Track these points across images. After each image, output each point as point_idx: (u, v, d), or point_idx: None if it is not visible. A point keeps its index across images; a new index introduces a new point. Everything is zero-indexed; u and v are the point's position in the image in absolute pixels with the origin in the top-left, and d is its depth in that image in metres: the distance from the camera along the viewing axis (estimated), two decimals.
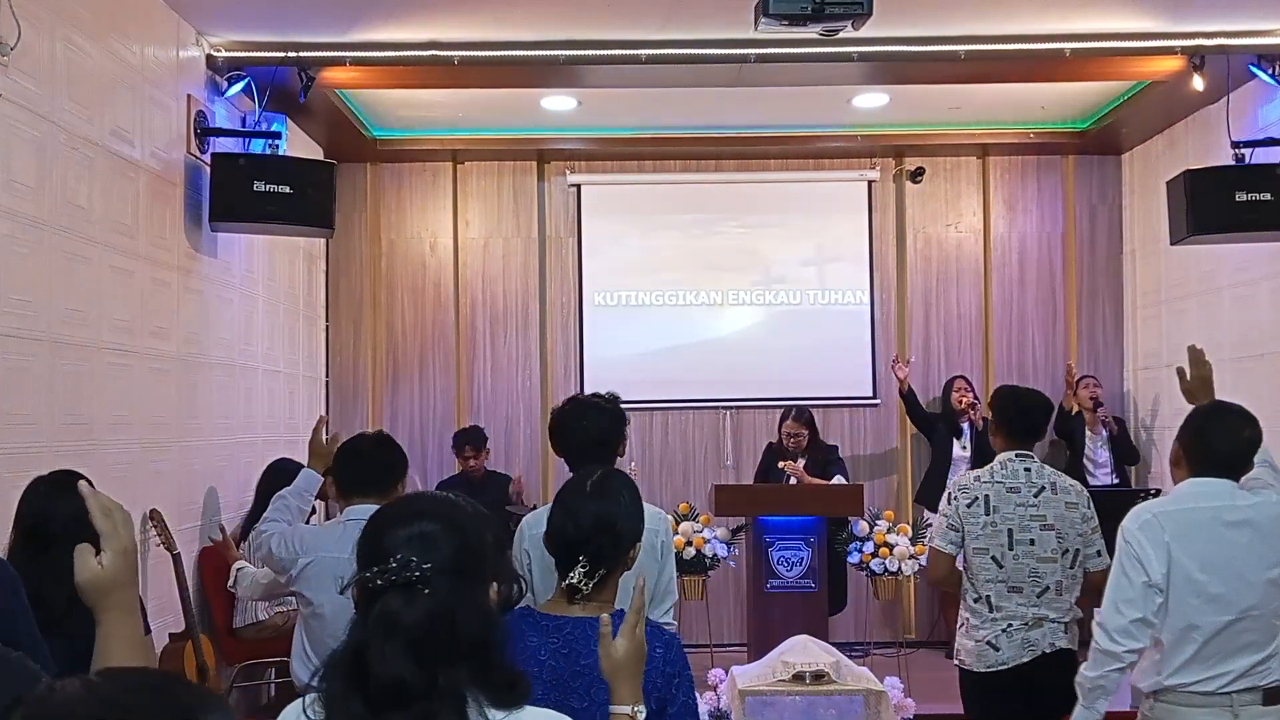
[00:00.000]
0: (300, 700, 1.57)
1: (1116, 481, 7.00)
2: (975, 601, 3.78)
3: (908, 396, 7.12)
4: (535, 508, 3.97)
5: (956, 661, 3.87)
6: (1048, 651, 3.69)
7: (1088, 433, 7.06)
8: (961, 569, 3.88)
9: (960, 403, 7.07)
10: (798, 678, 4.92)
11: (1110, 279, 7.74)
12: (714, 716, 5.25)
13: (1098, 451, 7.01)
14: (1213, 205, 5.63)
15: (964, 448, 6.99)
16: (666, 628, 3.30)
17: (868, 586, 6.37)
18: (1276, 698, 3.00)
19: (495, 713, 1.52)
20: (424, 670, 1.47)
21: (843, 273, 7.79)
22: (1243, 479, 3.20)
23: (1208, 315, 6.55)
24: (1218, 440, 3.09)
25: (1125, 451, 7.10)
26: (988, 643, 3.72)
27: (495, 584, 1.66)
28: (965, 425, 7.02)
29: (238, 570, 4.29)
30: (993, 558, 3.75)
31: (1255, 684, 2.96)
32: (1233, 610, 2.96)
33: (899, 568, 6.03)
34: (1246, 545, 3.00)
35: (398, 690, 1.46)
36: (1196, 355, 3.54)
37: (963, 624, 3.85)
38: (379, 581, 1.51)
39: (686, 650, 2.27)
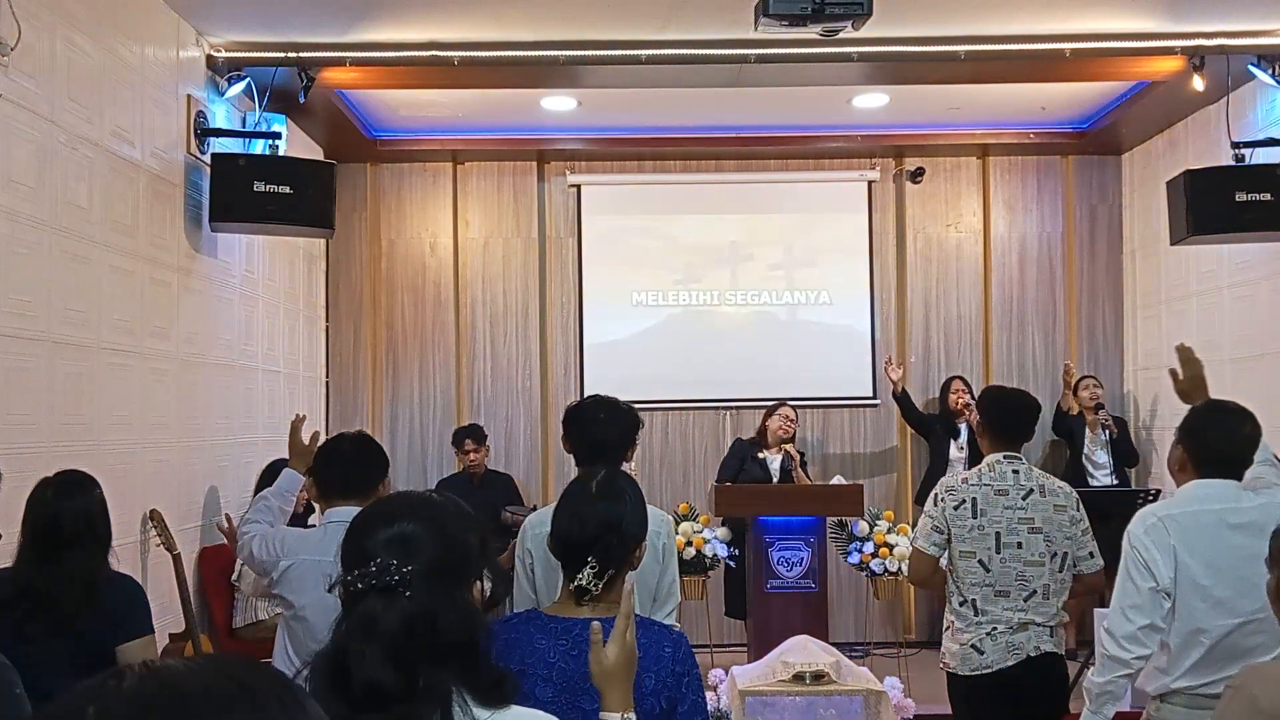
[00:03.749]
0: None
1: (1116, 483, 6.98)
2: (961, 605, 3.75)
3: (901, 398, 7.11)
4: (535, 508, 3.97)
5: (942, 664, 3.85)
6: (1033, 655, 3.65)
7: (1087, 433, 7.05)
8: (946, 570, 3.87)
9: (957, 403, 7.06)
10: (798, 678, 4.92)
11: (1110, 279, 7.74)
12: (714, 716, 5.25)
13: (1097, 453, 7.00)
14: (1213, 205, 5.63)
15: (961, 448, 6.98)
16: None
17: (868, 586, 6.37)
18: None
19: (481, 712, 1.53)
20: (403, 673, 1.48)
21: (842, 273, 7.79)
22: (1245, 478, 3.19)
23: (1208, 315, 6.55)
24: (1219, 440, 3.07)
25: (1125, 453, 7.07)
26: (972, 646, 3.70)
27: (479, 583, 1.66)
28: (962, 426, 7.01)
29: (243, 566, 4.30)
30: (979, 561, 3.71)
31: None
32: (1239, 614, 2.94)
33: (899, 568, 6.02)
34: (1252, 547, 2.95)
35: (377, 693, 1.48)
36: (1186, 354, 3.49)
37: (948, 627, 3.83)
38: (360, 585, 1.53)
39: None
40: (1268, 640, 2.95)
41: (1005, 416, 3.89)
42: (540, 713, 1.64)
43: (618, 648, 1.88)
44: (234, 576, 4.45)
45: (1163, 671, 3.03)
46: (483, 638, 1.59)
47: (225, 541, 5.20)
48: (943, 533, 3.78)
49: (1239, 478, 3.07)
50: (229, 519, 5.26)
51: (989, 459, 3.84)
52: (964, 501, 3.76)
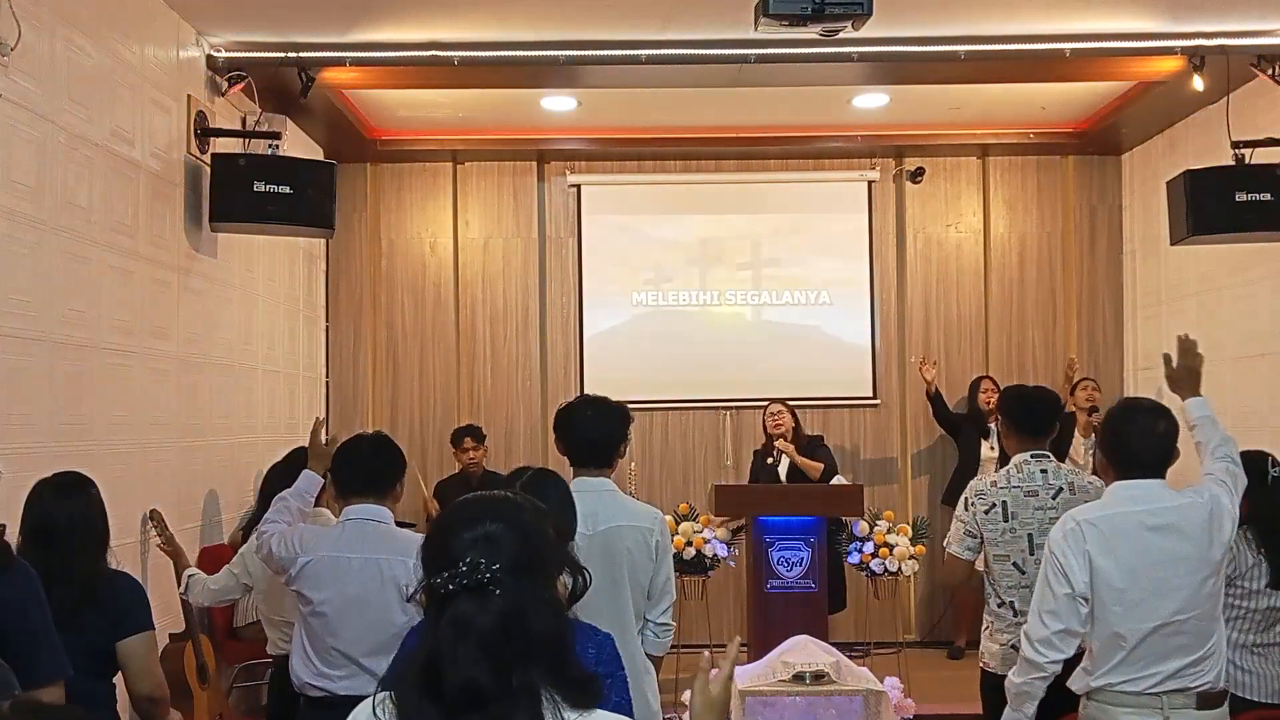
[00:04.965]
0: (370, 700, 1.59)
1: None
2: (999, 606, 3.76)
3: (934, 398, 7.09)
4: None
5: (981, 664, 3.85)
6: (1071, 656, 3.66)
7: (1077, 434, 7.02)
8: (982, 572, 3.87)
9: (988, 403, 7.02)
10: (798, 678, 4.92)
11: (1110, 279, 7.74)
12: None
13: (1083, 455, 6.98)
14: (1213, 205, 5.62)
15: (992, 448, 6.93)
16: (663, 628, 3.31)
17: (868, 586, 6.37)
18: (1210, 701, 2.98)
19: (570, 713, 1.53)
20: (498, 672, 1.48)
21: (843, 273, 7.78)
22: (1202, 475, 3.18)
23: (1208, 315, 6.55)
24: (1132, 440, 3.06)
25: None
26: (1012, 646, 3.66)
27: (561, 577, 1.67)
28: (992, 425, 6.97)
29: (189, 577, 4.25)
30: (1014, 564, 3.72)
31: (1186, 686, 2.94)
32: (1157, 616, 2.93)
33: (899, 568, 6.03)
34: (1171, 549, 2.96)
35: (473, 693, 1.47)
36: (1186, 345, 3.47)
37: (987, 627, 3.84)
38: (450, 586, 1.51)
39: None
40: (1190, 641, 2.95)
41: (1026, 414, 3.90)
42: (625, 718, 1.63)
43: (721, 688, 1.93)
44: (181, 589, 4.36)
45: (1086, 671, 3.05)
46: (570, 635, 1.58)
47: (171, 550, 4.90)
48: (975, 536, 3.79)
49: (1162, 475, 3.06)
50: (163, 522, 4.96)
51: (1016, 459, 3.84)
52: (994, 505, 3.76)
